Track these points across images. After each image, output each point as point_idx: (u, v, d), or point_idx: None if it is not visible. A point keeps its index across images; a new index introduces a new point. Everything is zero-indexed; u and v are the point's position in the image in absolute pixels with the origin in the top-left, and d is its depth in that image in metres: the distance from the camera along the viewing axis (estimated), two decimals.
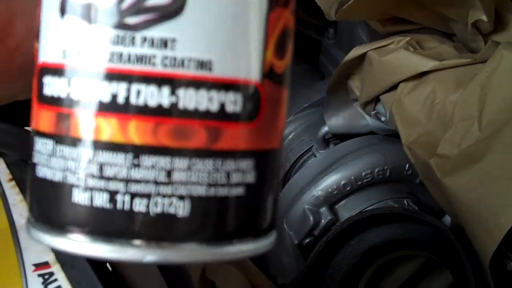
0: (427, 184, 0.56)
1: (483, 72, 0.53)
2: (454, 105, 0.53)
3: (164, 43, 0.25)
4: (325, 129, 0.69)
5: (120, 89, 0.25)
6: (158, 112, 0.25)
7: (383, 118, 0.65)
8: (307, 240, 0.65)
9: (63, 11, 0.26)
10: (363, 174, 0.65)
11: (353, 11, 0.57)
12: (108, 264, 0.44)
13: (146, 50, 0.25)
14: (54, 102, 0.26)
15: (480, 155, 0.50)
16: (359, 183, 0.65)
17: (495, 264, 0.51)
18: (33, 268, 0.31)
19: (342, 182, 0.65)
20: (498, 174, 0.49)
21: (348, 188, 0.65)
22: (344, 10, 0.57)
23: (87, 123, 0.25)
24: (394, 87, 0.59)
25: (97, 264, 0.33)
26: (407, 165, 0.65)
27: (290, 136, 0.75)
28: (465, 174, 0.50)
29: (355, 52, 0.61)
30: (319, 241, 0.60)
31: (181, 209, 0.25)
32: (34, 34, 0.27)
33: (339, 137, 0.71)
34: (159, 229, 0.25)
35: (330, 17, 0.59)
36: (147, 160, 0.25)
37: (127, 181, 0.25)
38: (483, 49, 0.56)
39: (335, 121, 0.69)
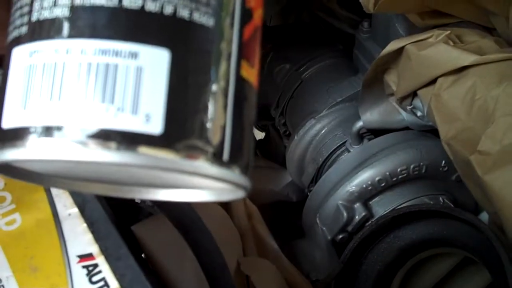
0: (466, 181, 0.55)
1: None
2: (496, 101, 0.51)
3: None
4: (360, 124, 0.68)
5: None
6: None
7: (419, 113, 0.64)
8: (340, 236, 0.64)
9: None
10: (399, 170, 0.64)
11: (393, 3, 0.56)
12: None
13: None
14: None
15: None
16: (394, 179, 0.64)
17: None
18: (78, 259, 0.31)
19: (377, 178, 0.64)
20: None
21: (383, 184, 0.64)
22: (384, 2, 0.56)
23: None
24: (433, 81, 0.58)
25: (141, 256, 0.33)
26: (443, 162, 0.64)
27: (323, 131, 0.74)
28: (507, 171, 0.49)
29: (393, 45, 0.59)
30: (354, 238, 0.59)
31: None
32: None
33: (374, 132, 0.70)
34: None
35: (369, 10, 0.58)
36: None
37: None
38: None
39: (370, 116, 0.68)
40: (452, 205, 0.65)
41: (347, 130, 0.71)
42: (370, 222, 0.61)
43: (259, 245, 0.60)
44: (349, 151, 0.69)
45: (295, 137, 0.75)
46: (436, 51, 0.57)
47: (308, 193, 0.71)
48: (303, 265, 0.65)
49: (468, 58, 0.55)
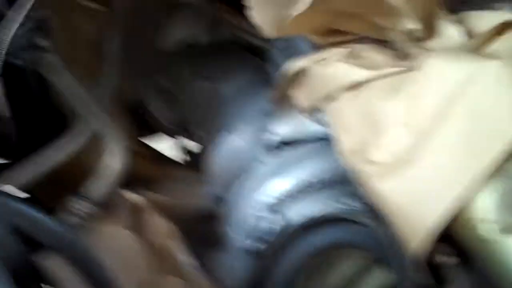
0: (364, 190, 0.58)
1: (414, 80, 0.56)
2: (386, 113, 0.56)
3: None
4: (273, 136, 0.71)
5: None
6: None
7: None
8: (253, 245, 0.67)
9: None
10: (311, 180, 0.67)
11: (292, 27, 0.60)
12: None
13: None
14: None
15: (410, 160, 0.53)
16: (306, 188, 0.67)
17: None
18: None
19: (289, 188, 0.67)
20: (428, 178, 0.52)
21: (295, 193, 0.67)
22: (283, 27, 0.59)
23: None
24: (334, 97, 0.61)
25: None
26: None
27: (239, 144, 0.76)
28: (396, 179, 0.53)
29: (295, 65, 0.63)
30: (266, 248, 0.62)
31: None
32: None
33: (288, 144, 0.73)
34: None
35: (270, 35, 0.61)
36: None
37: None
38: (414, 57, 0.59)
39: (283, 129, 0.71)
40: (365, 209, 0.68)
41: (262, 142, 0.74)
42: (277, 231, 0.64)
43: (174, 262, 0.62)
44: (263, 162, 0.72)
45: (211, 150, 0.78)
46: (335, 69, 0.61)
47: None
48: (222, 276, 0.67)
49: (362, 74, 0.59)
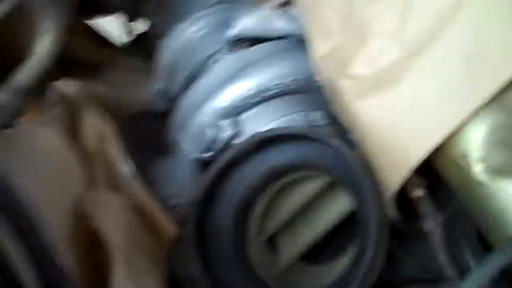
0: (335, 105, 0.51)
1: None
2: (373, 19, 0.47)
3: None
4: (235, 29, 0.62)
5: None
6: None
7: (299, 21, 0.58)
8: (205, 155, 0.59)
9: None
10: (273, 83, 0.59)
11: None
12: None
13: None
14: None
15: (396, 77, 0.44)
16: (268, 93, 0.59)
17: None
18: None
19: (248, 93, 0.59)
20: (413, 99, 0.44)
21: (255, 99, 0.59)
22: None
23: None
24: None
25: None
26: None
27: (198, 34, 0.67)
28: (377, 98, 0.45)
29: None
30: (217, 161, 0.55)
31: None
32: None
33: (251, 40, 0.64)
34: None
35: None
36: None
37: None
38: None
39: (247, 22, 0.62)
40: (327, 122, 0.61)
41: (223, 35, 0.64)
42: (235, 143, 0.57)
43: (109, 171, 0.54)
44: (223, 60, 0.63)
45: (167, 39, 0.68)
46: None
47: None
48: (164, 188, 0.60)
49: None
